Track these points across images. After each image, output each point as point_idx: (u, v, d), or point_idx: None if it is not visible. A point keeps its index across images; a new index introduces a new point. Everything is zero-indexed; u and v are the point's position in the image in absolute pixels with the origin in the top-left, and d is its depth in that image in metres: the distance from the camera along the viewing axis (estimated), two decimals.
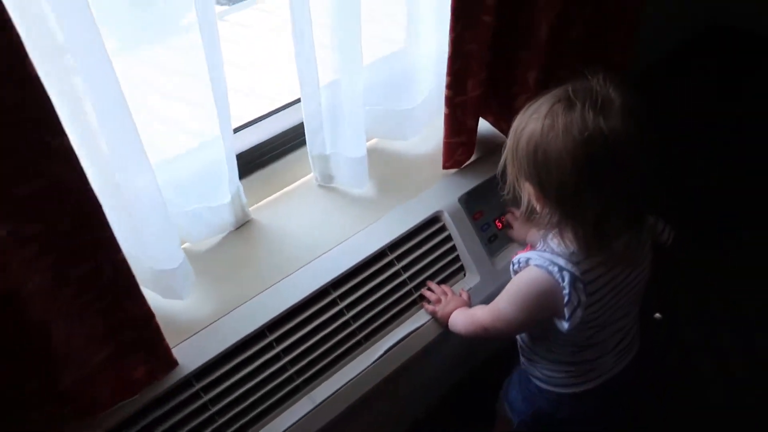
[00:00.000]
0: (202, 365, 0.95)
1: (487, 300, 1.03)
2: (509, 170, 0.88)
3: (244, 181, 1.16)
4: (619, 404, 1.09)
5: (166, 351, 0.92)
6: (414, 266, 1.14)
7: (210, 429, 0.94)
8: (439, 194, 1.22)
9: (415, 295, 1.13)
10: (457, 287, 1.16)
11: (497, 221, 1.24)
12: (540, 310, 0.90)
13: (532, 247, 0.94)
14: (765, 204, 1.93)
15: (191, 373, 0.94)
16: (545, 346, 0.99)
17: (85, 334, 0.83)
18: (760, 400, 1.45)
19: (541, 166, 0.81)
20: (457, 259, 1.19)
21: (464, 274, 1.19)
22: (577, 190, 0.79)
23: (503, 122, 1.33)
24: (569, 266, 0.85)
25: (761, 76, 2.38)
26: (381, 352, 1.06)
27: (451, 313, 1.07)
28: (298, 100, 1.30)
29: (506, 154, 0.88)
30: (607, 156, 0.77)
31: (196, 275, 1.05)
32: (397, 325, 1.10)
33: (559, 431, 1.10)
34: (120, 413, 0.90)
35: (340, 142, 1.18)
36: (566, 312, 0.85)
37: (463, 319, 1.04)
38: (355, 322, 1.07)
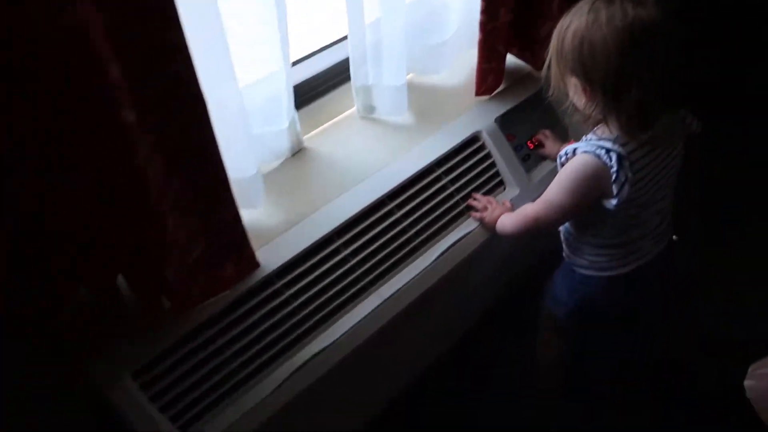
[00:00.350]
0: (282, 265, 1.05)
1: None
2: (553, 70, 0.99)
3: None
4: (651, 292, 1.20)
5: (250, 252, 1.02)
6: (459, 180, 1.24)
7: (293, 321, 1.04)
8: (475, 118, 1.32)
9: (462, 206, 1.23)
10: (498, 200, 1.26)
11: (529, 141, 1.34)
12: (589, 192, 1.00)
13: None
14: None
15: (273, 272, 1.04)
16: (591, 232, 1.09)
17: (185, 231, 0.92)
18: None
19: (586, 57, 0.91)
20: (497, 174, 1.29)
21: (504, 188, 1.29)
22: (621, 76, 0.90)
23: (527, 52, 1.43)
24: (615, 147, 0.95)
25: (764, 67, 2.25)
26: (437, 254, 1.17)
27: (498, 217, 1.18)
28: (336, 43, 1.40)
29: (550, 55, 0.98)
30: (647, 41, 0.87)
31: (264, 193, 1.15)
32: (449, 232, 1.21)
33: (599, 321, 1.21)
34: (212, 307, 0.99)
35: (381, 73, 1.27)
36: (614, 189, 0.95)
37: (511, 218, 1.15)
38: (411, 229, 1.17)
